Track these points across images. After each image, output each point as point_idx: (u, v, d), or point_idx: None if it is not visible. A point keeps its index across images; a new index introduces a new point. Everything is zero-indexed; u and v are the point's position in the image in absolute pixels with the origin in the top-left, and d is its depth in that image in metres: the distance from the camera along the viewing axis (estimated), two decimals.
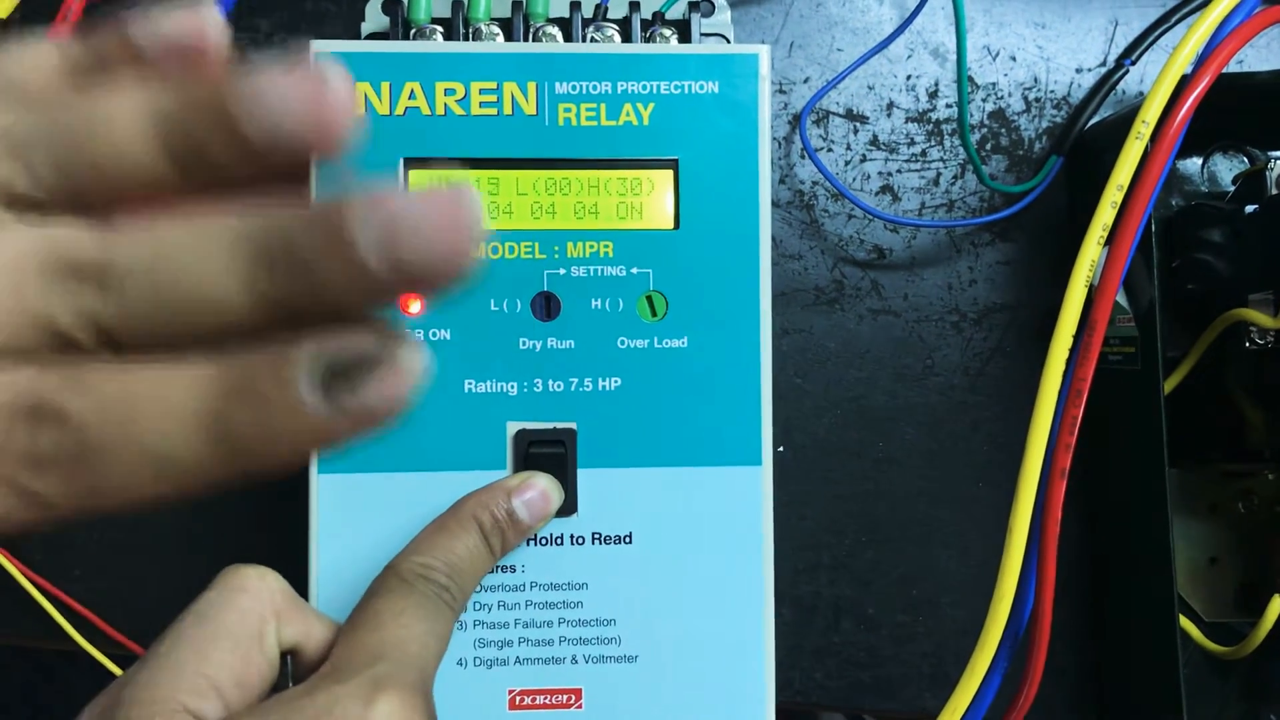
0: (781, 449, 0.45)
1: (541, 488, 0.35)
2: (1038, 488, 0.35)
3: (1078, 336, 0.35)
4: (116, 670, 0.44)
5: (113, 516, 0.44)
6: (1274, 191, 0.40)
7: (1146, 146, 0.35)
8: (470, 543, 0.34)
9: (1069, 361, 0.35)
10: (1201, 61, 0.35)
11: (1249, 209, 0.41)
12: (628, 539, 0.37)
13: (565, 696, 0.37)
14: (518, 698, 0.37)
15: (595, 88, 0.37)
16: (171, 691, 0.27)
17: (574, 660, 0.37)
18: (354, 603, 0.33)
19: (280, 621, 0.30)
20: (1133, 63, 0.45)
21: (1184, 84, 0.35)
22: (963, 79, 0.44)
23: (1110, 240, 0.35)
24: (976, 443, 0.46)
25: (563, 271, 0.37)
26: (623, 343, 0.37)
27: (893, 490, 0.45)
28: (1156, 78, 0.35)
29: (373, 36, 0.41)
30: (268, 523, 0.43)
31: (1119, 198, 0.34)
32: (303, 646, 0.31)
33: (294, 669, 0.31)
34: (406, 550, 0.33)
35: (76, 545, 0.44)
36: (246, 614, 0.29)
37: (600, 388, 0.37)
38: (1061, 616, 0.45)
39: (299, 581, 0.35)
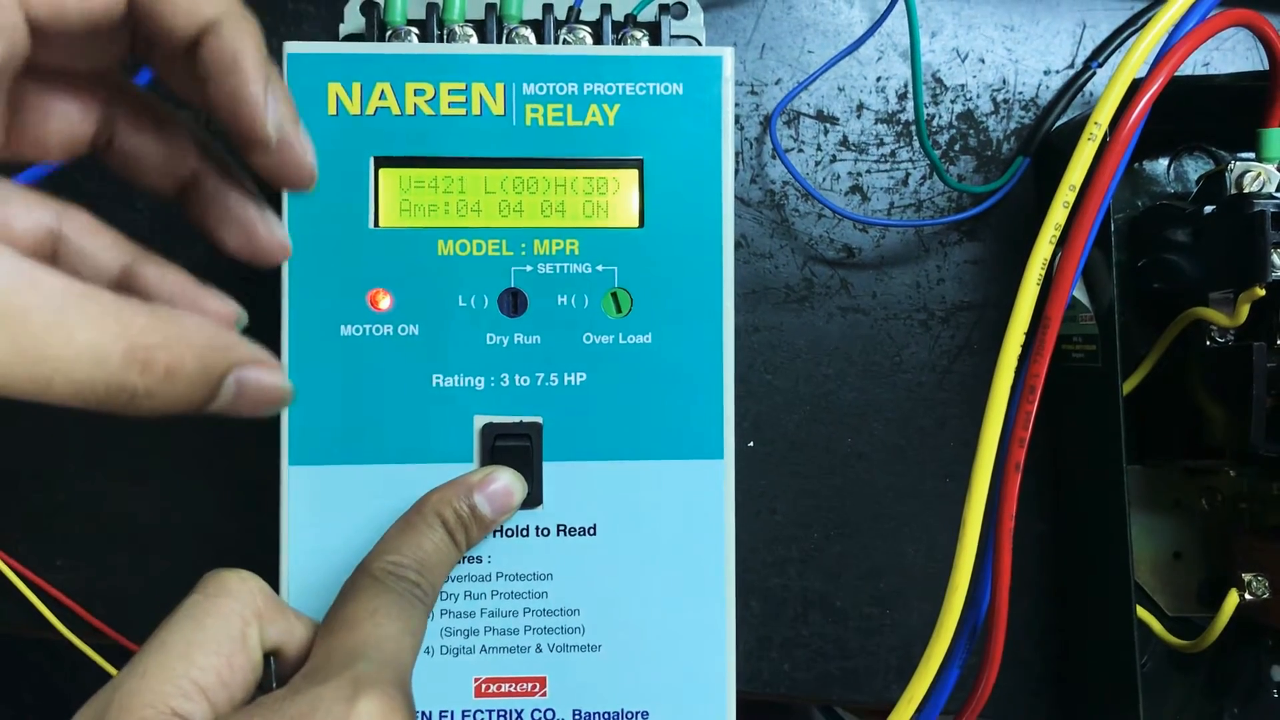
0: (752, 444, 0.46)
1: (504, 482, 0.36)
2: (992, 481, 0.35)
3: (1032, 333, 0.36)
4: (96, 658, 0.45)
5: (95, 509, 0.45)
6: (1233, 191, 0.40)
7: (1100, 148, 0.35)
8: (436, 539, 0.35)
9: (1023, 357, 0.36)
10: (1155, 64, 0.36)
11: (1209, 209, 0.41)
12: (592, 531, 0.38)
13: (530, 685, 0.37)
14: (483, 685, 0.37)
15: (562, 88, 0.37)
16: (160, 695, 0.28)
17: (539, 649, 0.37)
18: (324, 591, 0.34)
19: (263, 623, 0.31)
20: (1100, 65, 0.46)
21: (1139, 86, 0.36)
22: (918, 86, 0.45)
23: (1063, 239, 0.35)
24: (943, 439, 0.46)
25: (529, 268, 0.37)
26: (588, 338, 0.38)
27: (861, 485, 0.46)
28: (1109, 80, 0.35)
29: (351, 37, 0.41)
30: (243, 514, 0.44)
31: (1071, 198, 0.35)
32: (285, 647, 0.31)
33: (277, 669, 0.32)
34: (376, 550, 0.34)
35: (59, 536, 0.45)
36: (229, 617, 0.30)
37: (566, 382, 0.37)
38: (1025, 612, 0.46)
39: (273, 572, 0.36)
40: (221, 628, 0.30)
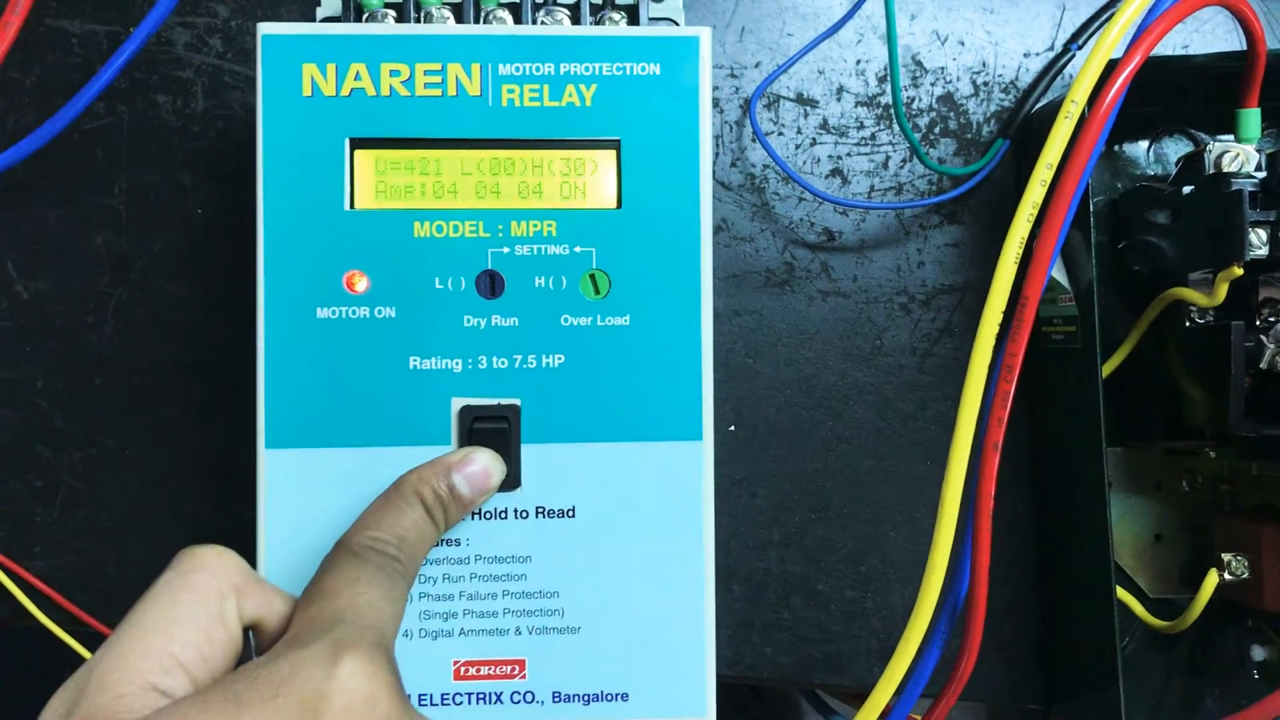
0: (733, 428, 0.46)
1: (482, 462, 0.36)
2: (971, 460, 0.35)
3: (1010, 311, 0.36)
4: (76, 645, 0.44)
5: (72, 496, 0.45)
6: (1211, 171, 0.40)
7: (1077, 125, 0.35)
8: (415, 517, 0.34)
9: (1001, 336, 0.36)
10: (1131, 43, 0.36)
11: (1187, 189, 0.41)
12: (570, 513, 0.37)
13: (509, 667, 0.37)
14: (463, 668, 0.37)
15: (538, 69, 0.37)
16: (138, 671, 0.27)
17: (517, 632, 0.37)
18: (302, 575, 0.34)
19: (240, 597, 0.31)
20: (1079, 47, 0.46)
21: (1116, 66, 0.36)
22: (895, 69, 0.44)
23: (1041, 218, 0.35)
24: (924, 422, 0.46)
25: (506, 250, 0.37)
26: (566, 320, 0.37)
27: (842, 469, 0.46)
28: (1085, 60, 0.35)
29: (328, 21, 0.41)
30: (221, 501, 0.44)
31: (1048, 176, 0.35)
32: (264, 621, 0.31)
33: (257, 643, 0.31)
34: (355, 526, 0.34)
35: (37, 524, 0.45)
36: (206, 592, 0.30)
37: (544, 364, 0.37)
38: (1008, 593, 0.46)
39: (251, 557, 0.36)
40: (198, 603, 0.29)
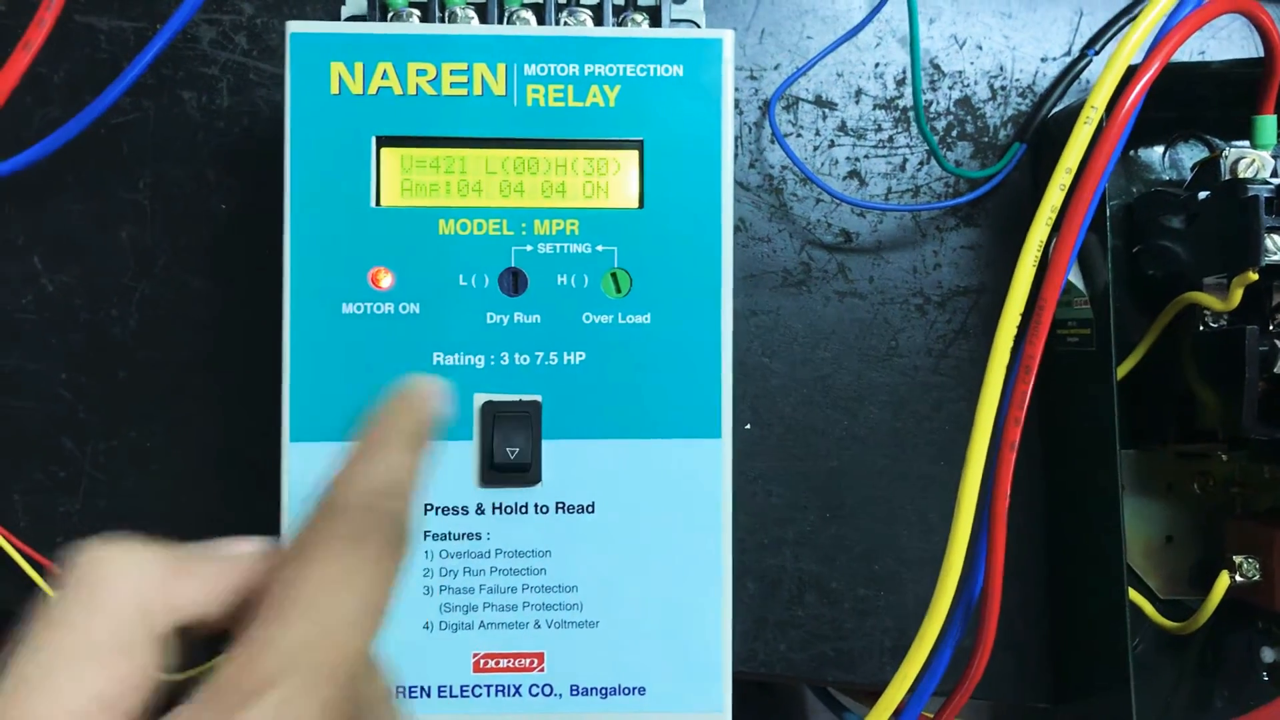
0: (749, 426, 0.46)
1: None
2: (987, 460, 0.36)
3: (1027, 314, 0.36)
4: None
5: (94, 488, 0.45)
6: (1227, 177, 0.41)
7: (1096, 131, 0.36)
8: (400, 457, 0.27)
9: (1019, 338, 0.36)
10: (1150, 50, 0.36)
11: (1203, 195, 0.42)
12: (590, 508, 0.38)
13: (528, 660, 0.38)
14: (482, 660, 0.38)
15: (563, 69, 0.38)
16: None
17: (536, 625, 0.38)
18: None
19: (163, 604, 0.24)
20: (1096, 52, 0.46)
21: (1135, 72, 0.36)
22: (916, 72, 0.45)
23: (1059, 222, 0.36)
24: (939, 423, 0.47)
25: (530, 248, 0.38)
26: (587, 318, 0.38)
27: (857, 468, 0.47)
28: (1105, 65, 0.36)
29: (353, 19, 0.42)
30: (243, 493, 0.45)
31: (1067, 181, 0.35)
32: (206, 613, 0.24)
33: (204, 638, 0.25)
34: (342, 475, 0.26)
35: (60, 515, 0.45)
36: (106, 619, 0.23)
37: (565, 361, 0.38)
38: (1021, 593, 0.46)
39: None
40: (94, 639, 0.22)
